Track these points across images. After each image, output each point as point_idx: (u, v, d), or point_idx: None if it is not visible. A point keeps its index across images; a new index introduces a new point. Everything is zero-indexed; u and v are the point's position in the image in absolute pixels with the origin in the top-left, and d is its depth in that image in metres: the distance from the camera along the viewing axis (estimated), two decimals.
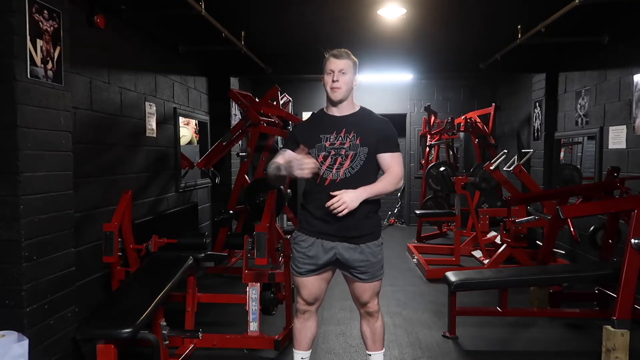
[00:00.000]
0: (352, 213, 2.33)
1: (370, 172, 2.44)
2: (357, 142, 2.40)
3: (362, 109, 2.53)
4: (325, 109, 2.53)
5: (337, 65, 2.39)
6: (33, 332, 2.55)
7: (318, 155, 2.40)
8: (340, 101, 2.44)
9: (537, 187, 5.26)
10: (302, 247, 2.46)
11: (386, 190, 2.40)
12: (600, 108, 4.96)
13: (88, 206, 3.49)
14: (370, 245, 2.44)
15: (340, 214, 2.27)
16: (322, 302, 2.62)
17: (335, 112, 2.47)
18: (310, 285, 2.50)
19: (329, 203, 2.27)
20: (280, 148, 2.56)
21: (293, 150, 2.47)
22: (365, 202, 2.34)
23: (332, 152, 2.40)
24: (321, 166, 2.40)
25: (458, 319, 3.63)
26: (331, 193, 2.29)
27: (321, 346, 3.42)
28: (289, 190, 5.24)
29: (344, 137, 2.41)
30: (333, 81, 2.39)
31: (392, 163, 2.45)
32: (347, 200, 2.26)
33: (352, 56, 2.45)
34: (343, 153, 2.39)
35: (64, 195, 2.84)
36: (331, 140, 2.41)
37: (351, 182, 2.37)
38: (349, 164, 2.39)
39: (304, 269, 2.47)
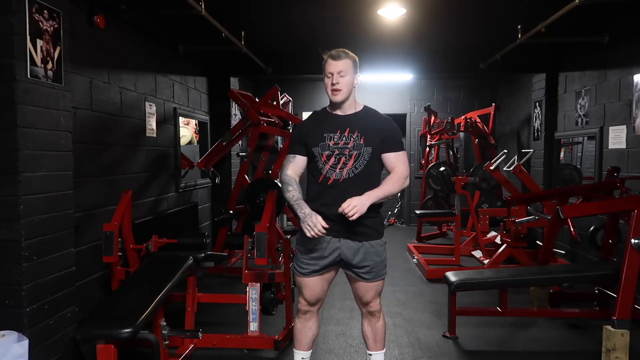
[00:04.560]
0: None
1: (374, 172, 2.43)
2: (361, 141, 2.39)
3: (365, 108, 2.52)
4: (328, 108, 2.52)
5: (336, 67, 2.37)
6: (33, 332, 2.55)
7: (322, 154, 2.40)
8: (342, 102, 2.43)
9: (537, 187, 5.26)
10: (306, 247, 2.46)
11: (392, 192, 2.39)
12: (600, 108, 4.96)
13: (88, 206, 3.49)
14: (374, 244, 2.44)
15: (351, 218, 2.24)
16: (323, 302, 2.61)
17: (339, 111, 2.47)
18: (313, 285, 2.49)
19: (340, 208, 2.25)
20: (288, 154, 2.55)
21: (301, 152, 2.46)
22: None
23: (336, 152, 2.39)
24: (325, 166, 2.40)
25: (458, 319, 3.63)
26: (339, 210, 2.26)
27: (321, 346, 3.42)
28: None
29: (348, 136, 2.40)
30: (332, 84, 2.37)
31: (397, 162, 2.44)
32: (357, 204, 2.24)
33: (351, 54, 2.42)
34: (347, 153, 2.39)
35: (64, 195, 2.84)
36: (335, 139, 2.41)
37: (354, 182, 2.37)
38: (353, 164, 2.39)
39: (306, 270, 2.47)
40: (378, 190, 2.35)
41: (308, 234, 2.30)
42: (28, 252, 2.54)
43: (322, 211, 2.41)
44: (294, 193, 2.40)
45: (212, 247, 5.50)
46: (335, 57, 2.38)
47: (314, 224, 2.27)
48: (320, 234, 2.29)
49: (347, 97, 2.43)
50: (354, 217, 2.24)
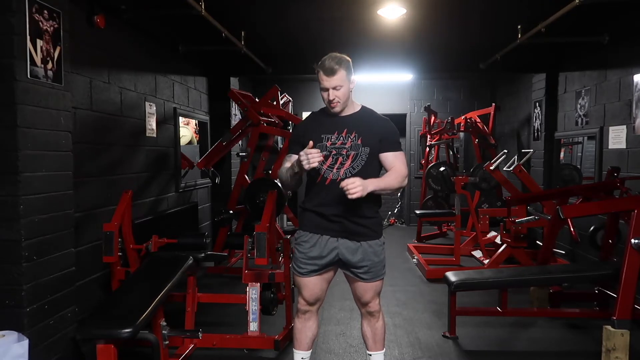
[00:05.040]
0: (354, 210, 2.35)
1: (372, 172, 2.43)
2: (359, 142, 2.40)
3: (363, 108, 2.52)
4: (326, 109, 2.52)
5: (331, 82, 2.35)
6: (33, 332, 2.55)
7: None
8: (341, 111, 2.44)
9: (537, 187, 5.25)
10: (305, 247, 2.46)
11: (391, 186, 2.37)
12: (600, 108, 4.96)
13: (88, 206, 3.49)
14: (372, 244, 2.44)
15: (351, 196, 2.19)
16: (322, 302, 2.62)
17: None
18: (312, 285, 2.49)
19: (343, 183, 2.20)
20: (287, 154, 2.55)
21: (299, 152, 2.46)
22: (367, 200, 2.34)
23: (333, 152, 2.40)
24: (322, 166, 2.40)
25: (458, 319, 3.63)
26: (342, 184, 2.23)
27: (321, 346, 3.42)
28: (288, 191, 5.25)
29: (345, 137, 2.41)
30: (330, 100, 2.38)
31: (395, 162, 2.45)
32: (360, 184, 2.20)
33: (344, 61, 2.37)
34: (344, 153, 2.39)
35: (64, 195, 2.84)
36: (332, 140, 2.41)
37: None
38: (350, 164, 2.39)
39: (305, 270, 2.47)
40: (380, 180, 2.34)
41: (307, 166, 2.23)
42: (28, 252, 2.54)
43: (320, 211, 2.42)
44: (285, 169, 2.43)
45: (212, 247, 5.50)
46: (329, 73, 2.34)
47: (307, 156, 2.21)
48: (319, 158, 2.23)
49: (345, 106, 2.44)
50: (354, 196, 2.19)
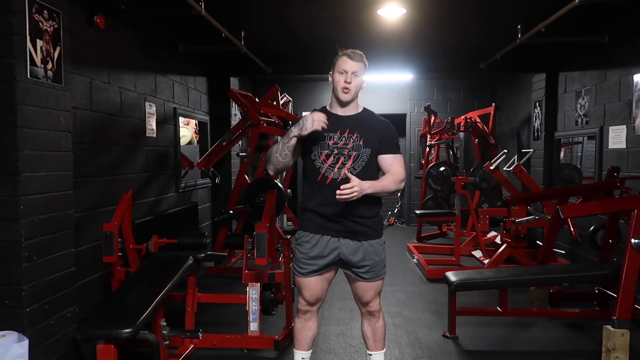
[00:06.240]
0: (355, 210, 2.35)
1: (372, 173, 2.44)
2: (361, 143, 2.40)
3: (365, 110, 2.53)
4: (328, 107, 2.52)
5: (351, 67, 2.39)
6: (33, 332, 2.55)
7: (321, 154, 2.41)
8: (348, 102, 2.44)
9: (537, 187, 5.25)
10: (305, 247, 2.46)
11: (388, 189, 2.38)
12: (600, 108, 4.96)
13: (88, 206, 3.49)
14: (373, 243, 2.45)
15: (341, 199, 2.21)
16: (323, 302, 2.62)
17: (340, 111, 2.47)
18: (312, 285, 2.49)
19: (342, 188, 2.20)
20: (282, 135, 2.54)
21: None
22: (368, 200, 2.34)
23: (335, 151, 2.40)
24: (323, 165, 2.40)
25: (458, 319, 3.63)
26: (347, 174, 2.26)
27: (321, 346, 3.42)
28: (289, 191, 5.25)
29: (348, 137, 2.41)
30: (346, 82, 2.39)
31: (394, 164, 2.45)
32: (358, 190, 2.22)
33: (365, 59, 2.45)
34: (346, 153, 2.39)
35: (64, 195, 2.84)
36: (335, 139, 2.41)
37: None
38: (351, 164, 2.39)
39: (306, 270, 2.47)
40: (377, 182, 2.36)
41: (310, 127, 2.28)
42: (28, 252, 2.54)
43: (321, 211, 2.42)
44: (276, 146, 2.44)
45: (212, 247, 5.50)
46: (353, 57, 2.41)
47: (308, 122, 2.28)
48: (322, 121, 2.28)
49: (354, 99, 2.45)
50: (346, 200, 2.22)
